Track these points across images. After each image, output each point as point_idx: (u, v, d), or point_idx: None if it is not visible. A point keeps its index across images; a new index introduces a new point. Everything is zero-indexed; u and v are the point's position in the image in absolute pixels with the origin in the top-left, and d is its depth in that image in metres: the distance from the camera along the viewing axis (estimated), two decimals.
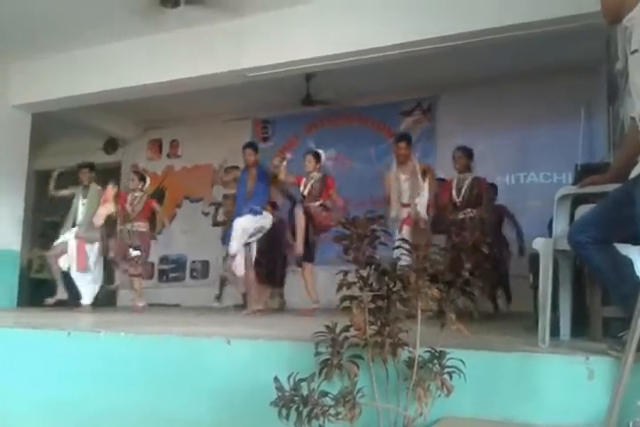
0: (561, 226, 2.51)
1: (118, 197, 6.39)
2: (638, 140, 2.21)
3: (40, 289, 9.05)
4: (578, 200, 2.64)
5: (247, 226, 5.61)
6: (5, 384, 3.24)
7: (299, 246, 5.60)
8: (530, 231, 6.67)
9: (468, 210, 5.23)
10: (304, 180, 5.76)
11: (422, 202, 5.45)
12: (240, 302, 7.35)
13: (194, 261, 9.07)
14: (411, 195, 5.47)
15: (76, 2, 5.77)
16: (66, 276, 6.32)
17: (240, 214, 5.64)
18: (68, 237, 6.27)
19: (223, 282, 7.66)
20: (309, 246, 5.67)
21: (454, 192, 5.34)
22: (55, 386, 3.11)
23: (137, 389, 2.94)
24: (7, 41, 6.64)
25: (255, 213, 5.64)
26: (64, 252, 6.20)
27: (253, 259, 5.81)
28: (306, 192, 5.70)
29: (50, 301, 6.25)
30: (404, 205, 5.47)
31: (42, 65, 7.11)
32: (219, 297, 7.67)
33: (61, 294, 6.34)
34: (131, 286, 6.52)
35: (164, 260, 9.19)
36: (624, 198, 2.12)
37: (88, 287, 6.20)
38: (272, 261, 6.41)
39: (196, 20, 5.90)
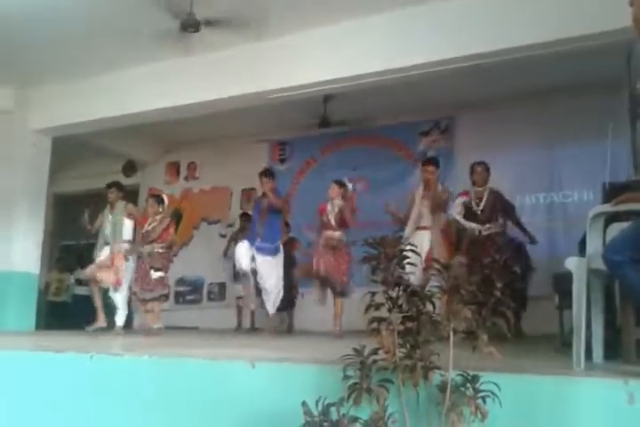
0: (594, 245, 2.45)
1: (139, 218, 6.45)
2: None
3: (57, 312, 9.11)
4: (610, 219, 2.59)
5: (271, 275, 5.73)
6: (27, 409, 3.20)
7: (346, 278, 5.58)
8: (551, 251, 6.61)
9: (490, 225, 5.16)
10: (328, 206, 5.76)
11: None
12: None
13: (211, 283, 9.04)
14: (430, 219, 5.42)
15: (96, 28, 5.85)
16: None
17: (254, 244, 5.73)
18: (102, 257, 6.33)
19: (240, 309, 7.64)
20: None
21: (473, 203, 5.29)
22: (77, 411, 3.07)
23: (159, 413, 2.88)
24: (28, 66, 6.78)
25: (274, 253, 5.74)
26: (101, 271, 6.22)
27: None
28: (332, 219, 5.70)
29: (91, 328, 6.24)
30: (420, 228, 5.40)
31: (62, 90, 7.21)
32: (239, 325, 7.64)
33: (102, 321, 6.35)
34: (144, 308, 6.45)
35: (180, 282, 9.17)
36: None
37: (123, 306, 6.20)
38: (285, 284, 6.43)
39: (216, 44, 5.95)
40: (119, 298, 6.21)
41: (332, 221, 5.66)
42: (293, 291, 6.88)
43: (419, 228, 5.39)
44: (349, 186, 5.90)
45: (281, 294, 5.84)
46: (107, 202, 6.57)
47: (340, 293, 5.51)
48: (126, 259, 6.24)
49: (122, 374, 3.06)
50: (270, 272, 5.70)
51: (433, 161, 5.68)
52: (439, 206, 5.39)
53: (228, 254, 8.02)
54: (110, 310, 6.40)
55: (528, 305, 5.74)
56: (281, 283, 5.84)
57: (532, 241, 5.88)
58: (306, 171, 8.83)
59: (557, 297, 4.47)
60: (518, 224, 5.87)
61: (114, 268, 6.15)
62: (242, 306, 7.58)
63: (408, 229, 5.37)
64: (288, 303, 6.74)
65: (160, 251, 6.25)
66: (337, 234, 5.62)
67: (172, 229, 6.47)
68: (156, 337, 5.64)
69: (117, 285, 6.14)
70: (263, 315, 6.38)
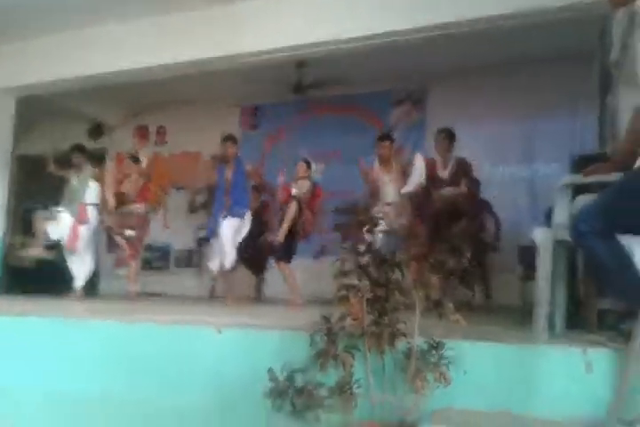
0: (561, 216, 2.47)
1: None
2: None
3: (20, 276, 8.95)
4: (577, 190, 2.61)
5: (231, 236, 5.65)
6: None
7: (280, 236, 5.56)
8: (517, 224, 6.70)
9: (452, 188, 5.17)
10: (293, 184, 5.76)
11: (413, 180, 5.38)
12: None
13: (178, 250, 8.97)
14: (395, 194, 5.44)
15: None
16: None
17: (221, 213, 5.65)
18: (64, 216, 6.20)
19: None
20: (290, 246, 5.66)
21: (440, 170, 5.30)
22: (48, 374, 3.04)
23: (128, 377, 2.88)
24: None
25: (241, 216, 5.66)
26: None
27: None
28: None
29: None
30: (387, 204, 5.42)
31: (26, 48, 6.91)
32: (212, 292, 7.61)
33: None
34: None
35: (147, 248, 9.06)
36: (629, 188, 2.09)
37: (80, 270, 6.10)
38: (255, 247, 6.37)
39: (188, 4, 5.77)
40: (75, 262, 6.09)
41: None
42: (263, 256, 6.84)
43: (386, 204, 5.40)
44: (313, 165, 5.97)
45: (233, 250, 5.74)
46: (71, 165, 6.41)
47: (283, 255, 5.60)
48: (86, 222, 6.10)
49: (88, 339, 3.03)
50: (226, 231, 5.63)
51: (388, 136, 5.76)
52: (406, 175, 5.40)
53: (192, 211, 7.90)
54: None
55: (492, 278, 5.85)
56: (235, 241, 5.73)
57: (498, 224, 5.99)
58: (278, 137, 8.74)
59: (522, 268, 4.55)
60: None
61: (74, 231, 6.03)
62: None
63: (377, 207, 5.39)
64: (258, 269, 6.72)
65: (138, 211, 6.19)
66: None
67: (152, 187, 6.38)
68: (123, 301, 5.62)
69: (74, 248, 6.03)
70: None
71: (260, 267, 6.86)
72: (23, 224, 9.77)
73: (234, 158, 5.82)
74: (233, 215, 5.64)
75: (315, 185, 5.91)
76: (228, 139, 5.90)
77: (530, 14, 4.95)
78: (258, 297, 7.02)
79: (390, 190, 5.46)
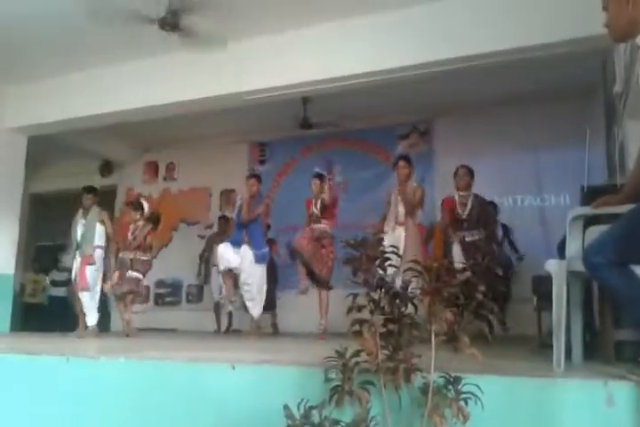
0: (574, 247, 2.47)
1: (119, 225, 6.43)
2: None
3: (32, 314, 8.97)
4: (588, 221, 2.61)
5: (260, 284, 5.74)
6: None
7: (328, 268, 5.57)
8: (529, 254, 6.68)
9: (475, 231, 5.16)
10: (313, 202, 5.78)
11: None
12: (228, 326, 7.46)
13: (189, 285, 8.98)
14: (405, 214, 5.46)
15: (74, 26, 5.77)
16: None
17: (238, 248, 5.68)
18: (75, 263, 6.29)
19: (218, 309, 7.59)
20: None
21: (459, 209, 5.28)
22: (53, 413, 3.01)
23: (137, 416, 2.84)
24: (3, 63, 6.65)
25: (264, 261, 5.78)
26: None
27: None
28: (316, 212, 5.71)
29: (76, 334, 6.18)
30: (400, 224, 5.43)
31: (38, 88, 7.11)
32: (219, 327, 7.58)
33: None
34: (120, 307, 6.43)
35: (159, 284, 9.10)
36: None
37: (90, 308, 6.14)
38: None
39: (194, 44, 5.89)
40: (86, 299, 6.13)
41: (319, 214, 5.68)
42: (274, 292, 6.88)
43: (399, 223, 5.42)
44: (324, 173, 5.95)
45: (263, 297, 5.82)
46: (80, 206, 6.48)
47: (324, 283, 5.51)
48: (93, 263, 6.16)
49: (98, 378, 3.01)
50: (257, 280, 5.70)
51: (405, 157, 5.77)
52: (413, 203, 5.43)
53: (204, 257, 7.98)
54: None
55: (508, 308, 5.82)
56: (264, 288, 5.83)
57: (520, 257, 6.00)
58: (286, 172, 8.82)
59: (536, 299, 4.51)
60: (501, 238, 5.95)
61: (81, 271, 6.10)
62: (221, 308, 7.54)
63: (387, 227, 5.41)
64: (270, 305, 6.75)
65: (143, 258, 6.27)
66: (322, 226, 5.63)
67: (149, 239, 6.44)
68: (133, 338, 5.61)
69: (84, 287, 6.08)
70: (243, 317, 6.35)
71: (273, 303, 6.93)
72: (35, 262, 9.87)
73: (256, 196, 5.87)
74: (257, 261, 5.69)
75: (332, 198, 5.83)
76: (252, 176, 5.96)
77: (532, 49, 5.04)
78: (275, 332, 7.04)
79: (402, 210, 5.47)
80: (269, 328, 7.08)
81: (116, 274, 6.21)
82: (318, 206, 5.67)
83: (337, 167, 8.30)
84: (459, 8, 5.23)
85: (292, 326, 7.13)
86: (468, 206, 5.25)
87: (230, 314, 7.43)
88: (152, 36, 5.56)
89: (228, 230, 6.88)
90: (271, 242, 7.25)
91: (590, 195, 3.15)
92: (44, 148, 8.03)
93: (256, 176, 6.01)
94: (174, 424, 2.77)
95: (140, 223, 6.44)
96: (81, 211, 6.44)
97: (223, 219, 7.77)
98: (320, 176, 5.83)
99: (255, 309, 5.72)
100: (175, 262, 8.80)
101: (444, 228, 5.49)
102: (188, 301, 8.98)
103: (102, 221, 6.29)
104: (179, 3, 5.21)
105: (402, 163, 5.60)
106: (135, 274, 6.21)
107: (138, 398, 2.89)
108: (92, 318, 6.16)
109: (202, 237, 8.64)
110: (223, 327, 7.52)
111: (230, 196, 8.05)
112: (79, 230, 6.29)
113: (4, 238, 7.16)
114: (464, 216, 5.26)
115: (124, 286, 6.16)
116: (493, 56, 5.19)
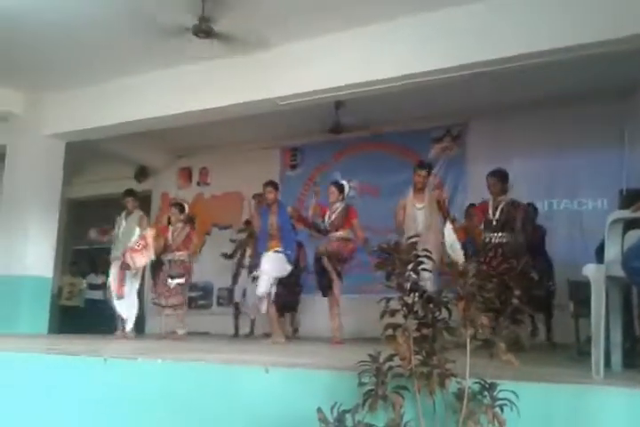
0: (613, 252, 2.42)
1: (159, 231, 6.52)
2: None
3: (69, 316, 9.15)
4: (627, 225, 2.56)
5: (277, 272, 5.65)
6: (39, 412, 3.20)
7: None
8: (566, 259, 6.55)
9: (501, 234, 5.06)
10: (328, 211, 5.79)
11: (450, 237, 5.27)
12: (250, 330, 7.48)
13: (220, 289, 9.04)
14: (425, 225, 5.41)
15: (109, 34, 5.91)
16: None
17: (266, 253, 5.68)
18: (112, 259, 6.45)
19: (237, 313, 7.62)
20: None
21: (491, 211, 5.20)
22: (90, 414, 3.06)
23: (172, 418, 2.87)
24: (42, 72, 6.85)
25: (289, 258, 5.71)
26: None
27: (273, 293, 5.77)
28: (328, 222, 5.73)
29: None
30: (417, 235, 5.34)
31: (75, 95, 7.27)
32: (237, 331, 7.61)
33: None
34: (159, 313, 6.50)
35: (192, 287, 9.16)
36: None
37: (127, 311, 6.22)
38: (291, 291, 6.54)
39: (228, 50, 5.97)
40: (123, 305, 6.22)
41: (329, 226, 5.68)
42: (297, 293, 6.97)
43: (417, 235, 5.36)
44: (346, 186, 5.92)
45: (275, 281, 5.70)
46: (123, 209, 6.59)
47: (338, 273, 5.53)
48: (129, 267, 6.24)
49: (135, 378, 3.05)
50: (273, 264, 5.62)
51: (425, 166, 5.73)
52: (441, 208, 5.44)
53: (232, 258, 7.99)
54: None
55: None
56: (274, 276, 5.66)
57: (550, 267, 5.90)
58: (317, 177, 8.83)
59: (573, 305, 4.43)
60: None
61: (119, 275, 6.20)
62: (240, 310, 7.55)
63: (407, 236, 5.36)
64: (292, 305, 6.87)
65: (181, 259, 6.30)
66: (338, 233, 5.64)
67: (194, 237, 6.50)
68: (178, 342, 5.66)
69: (119, 293, 6.16)
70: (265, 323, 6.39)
71: (296, 306, 7.04)
72: (73, 265, 10.07)
73: (275, 203, 5.87)
74: (289, 261, 5.70)
75: (348, 207, 5.83)
76: (269, 184, 5.97)
77: (569, 50, 4.96)
78: (295, 335, 7.03)
79: (420, 220, 5.43)
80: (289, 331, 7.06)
81: (158, 278, 6.26)
82: (333, 216, 5.69)
83: (369, 171, 8.26)
84: (495, 9, 5.18)
85: (314, 330, 7.13)
86: (499, 210, 5.17)
87: (253, 321, 7.42)
88: (186, 44, 5.65)
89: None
90: (299, 245, 7.24)
91: (629, 198, 3.10)
92: (81, 154, 8.21)
93: (273, 184, 6.00)
94: (207, 426, 2.79)
95: (180, 225, 6.50)
96: (124, 213, 6.56)
97: (248, 223, 7.80)
98: (338, 185, 5.82)
99: (262, 286, 5.53)
100: (207, 266, 8.87)
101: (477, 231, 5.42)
102: (219, 304, 9.05)
103: (141, 226, 6.37)
104: (211, 10, 5.28)
105: (422, 172, 5.56)
106: (177, 281, 6.21)
107: (173, 398, 2.91)
108: (130, 324, 6.25)
109: (233, 241, 8.69)
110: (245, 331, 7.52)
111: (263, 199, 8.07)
112: (119, 233, 6.41)
113: (43, 242, 7.34)
114: (494, 218, 5.18)
115: (170, 300, 6.19)
116: (529, 58, 5.12)
